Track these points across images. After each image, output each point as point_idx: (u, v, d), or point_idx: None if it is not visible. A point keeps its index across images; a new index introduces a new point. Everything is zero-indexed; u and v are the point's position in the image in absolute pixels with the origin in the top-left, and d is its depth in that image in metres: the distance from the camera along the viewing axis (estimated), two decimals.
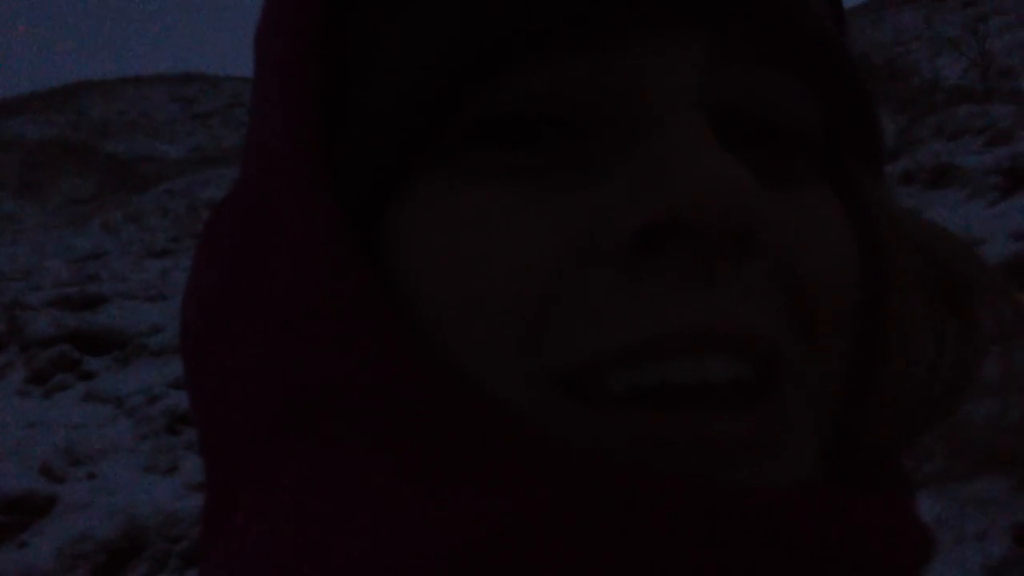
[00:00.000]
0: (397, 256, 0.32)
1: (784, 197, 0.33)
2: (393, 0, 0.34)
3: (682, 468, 0.29)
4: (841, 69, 0.35)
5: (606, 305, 0.30)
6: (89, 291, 9.06)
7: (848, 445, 0.35)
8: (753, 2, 0.32)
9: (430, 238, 0.31)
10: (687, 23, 0.32)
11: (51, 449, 5.57)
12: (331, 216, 0.32)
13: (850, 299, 0.34)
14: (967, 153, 6.90)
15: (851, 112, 0.37)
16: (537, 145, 0.32)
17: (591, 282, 0.30)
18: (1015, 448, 0.38)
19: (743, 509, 0.28)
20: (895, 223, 0.37)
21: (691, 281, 0.30)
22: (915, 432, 0.37)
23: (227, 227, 0.37)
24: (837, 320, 0.33)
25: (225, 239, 0.36)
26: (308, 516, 0.32)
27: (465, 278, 0.30)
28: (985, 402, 0.37)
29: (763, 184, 0.31)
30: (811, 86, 0.34)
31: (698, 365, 0.30)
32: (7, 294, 8.92)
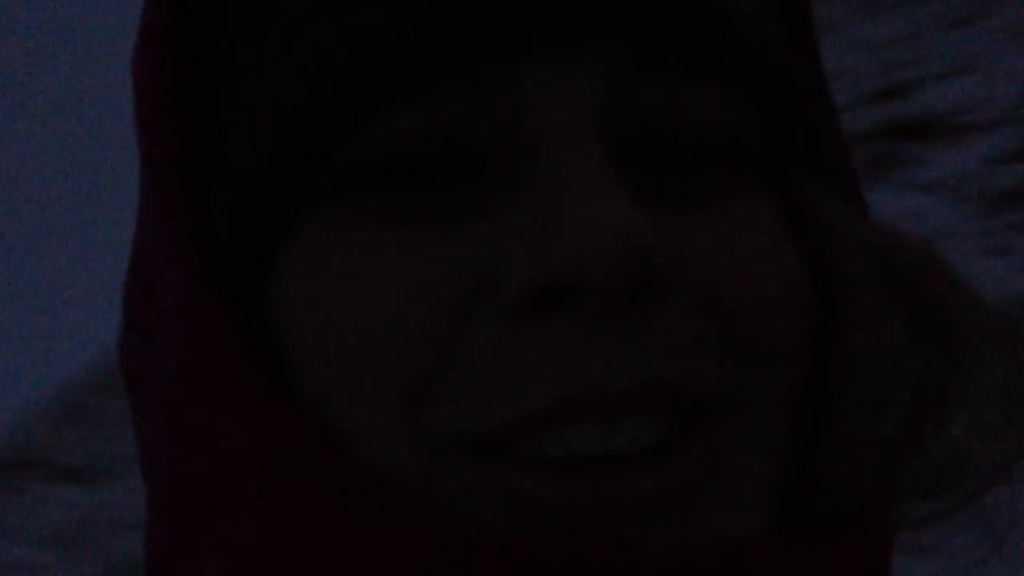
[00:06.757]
0: (280, 319, 0.30)
1: (703, 219, 0.30)
2: (248, 46, 0.31)
3: (587, 532, 0.27)
4: (771, 73, 0.31)
5: (497, 367, 0.27)
6: None
7: (809, 486, 0.32)
8: (655, 8, 0.28)
9: (306, 293, 0.29)
10: (578, 38, 0.28)
11: None
12: (198, 287, 0.30)
13: (793, 317, 0.31)
14: None
15: (791, 118, 0.33)
16: (424, 184, 0.29)
17: (481, 340, 0.28)
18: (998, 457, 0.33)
19: (660, 570, 0.26)
20: (846, 232, 0.33)
21: (591, 335, 0.27)
22: (886, 466, 0.32)
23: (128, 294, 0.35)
24: (780, 342, 0.30)
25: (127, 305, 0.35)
26: None
27: (342, 336, 0.28)
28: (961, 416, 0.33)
29: (680, 206, 0.29)
30: (737, 94, 0.31)
31: (605, 430, 0.27)
32: None
